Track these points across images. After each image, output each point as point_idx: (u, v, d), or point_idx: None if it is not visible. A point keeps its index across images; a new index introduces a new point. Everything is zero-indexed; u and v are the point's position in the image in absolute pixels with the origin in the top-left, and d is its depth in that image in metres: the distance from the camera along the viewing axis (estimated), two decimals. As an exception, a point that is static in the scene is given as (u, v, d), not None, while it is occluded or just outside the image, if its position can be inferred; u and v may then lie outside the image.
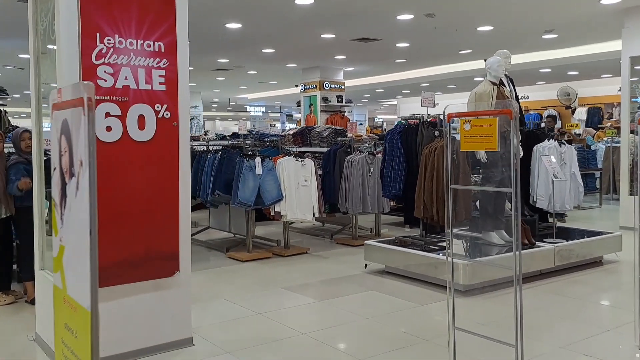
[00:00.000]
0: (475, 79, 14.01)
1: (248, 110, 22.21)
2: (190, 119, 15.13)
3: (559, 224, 6.35)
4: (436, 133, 5.19)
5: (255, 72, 13.52)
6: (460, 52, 10.73)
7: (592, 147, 10.76)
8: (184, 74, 3.59)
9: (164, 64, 3.41)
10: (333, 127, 7.29)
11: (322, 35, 8.88)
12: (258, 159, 5.76)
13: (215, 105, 24.90)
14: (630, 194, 7.71)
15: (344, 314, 4.17)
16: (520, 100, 18.76)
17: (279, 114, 22.31)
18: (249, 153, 5.93)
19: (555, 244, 5.23)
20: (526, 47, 10.35)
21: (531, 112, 16.36)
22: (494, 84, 5.35)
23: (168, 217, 3.33)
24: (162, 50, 3.41)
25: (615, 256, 5.84)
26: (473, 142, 2.59)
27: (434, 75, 13.54)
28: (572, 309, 4.33)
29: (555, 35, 9.25)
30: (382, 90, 17.00)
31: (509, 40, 9.50)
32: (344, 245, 6.66)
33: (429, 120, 5.58)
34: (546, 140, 6.11)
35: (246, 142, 6.51)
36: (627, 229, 7.57)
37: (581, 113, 14.94)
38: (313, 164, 6.06)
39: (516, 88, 5.93)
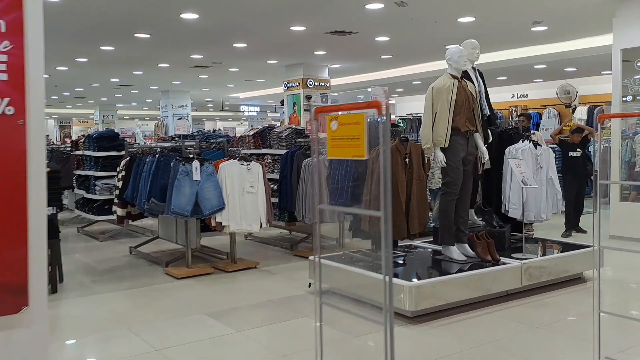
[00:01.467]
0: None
1: (242, 110, 21.74)
2: (178, 119, 14.58)
3: (536, 236, 5.71)
4: (387, 134, 4.58)
5: (237, 69, 12.97)
6: (446, 46, 10.04)
7: (590, 148, 10.06)
8: (36, 61, 2.93)
9: (4, 47, 2.77)
10: (294, 126, 6.69)
11: (291, 28, 8.29)
12: (195, 163, 5.19)
13: (211, 105, 24.43)
14: (623, 199, 7.04)
15: (256, 350, 3.56)
16: (518, 99, 17.89)
17: (278, 114, 21.75)
18: (190, 156, 5.37)
19: (523, 261, 4.59)
20: (516, 40, 9.68)
21: (530, 111, 15.63)
22: (454, 77, 4.72)
23: (11, 240, 2.71)
24: (2, 29, 2.77)
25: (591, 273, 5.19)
26: (340, 147, 1.98)
27: (425, 72, 12.85)
28: (531, 341, 3.69)
29: (545, 28, 8.57)
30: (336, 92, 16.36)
31: (494, 32, 8.85)
32: (302, 259, 6.06)
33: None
34: (520, 141, 5.47)
35: (188, 143, 5.94)
36: (618, 238, 6.91)
37: (582, 112, 14.14)
38: (260, 168, 5.47)
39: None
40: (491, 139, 5.51)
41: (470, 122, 4.71)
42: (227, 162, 5.41)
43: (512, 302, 4.45)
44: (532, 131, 7.50)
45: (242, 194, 5.37)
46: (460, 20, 7.99)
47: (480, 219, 5.30)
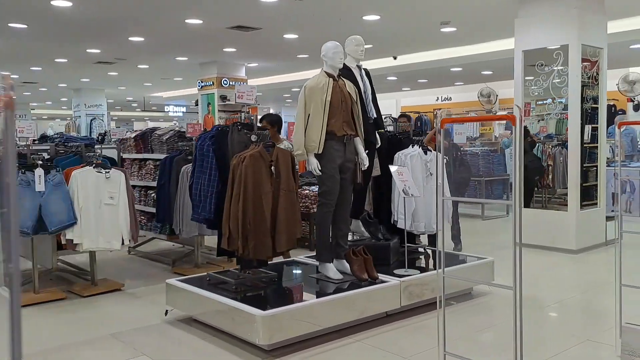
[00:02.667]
0: (388, 77, 13.11)
1: (166, 110, 20.71)
2: (92, 119, 13.42)
3: (430, 248, 5.35)
4: (253, 137, 4.03)
5: (147, 66, 12.13)
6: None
7: (507, 152, 10.00)
8: None
9: None
10: (177, 129, 6.06)
11: (187, 21, 7.63)
12: (38, 172, 4.45)
13: (135, 105, 23.19)
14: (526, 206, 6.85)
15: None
16: (442, 102, 18.01)
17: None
18: (36, 163, 4.62)
19: (403, 278, 4.18)
20: (428, 41, 9.44)
21: (454, 115, 15.65)
22: (330, 76, 4.26)
23: None
24: None
25: (487, 288, 4.88)
26: None
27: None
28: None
29: (454, 29, 8.35)
30: (298, 89, 15.85)
31: (403, 32, 8.55)
32: (180, 277, 5.41)
33: (244, 120, 4.42)
34: (410, 146, 5.09)
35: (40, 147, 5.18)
36: (528, 246, 6.71)
37: (502, 115, 14.30)
38: (123, 175, 4.80)
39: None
40: (379, 144, 5.12)
41: (349, 125, 4.26)
42: (81, 169, 4.70)
43: (390, 325, 4.02)
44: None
45: (100, 206, 4.68)
46: (365, 18, 7.61)
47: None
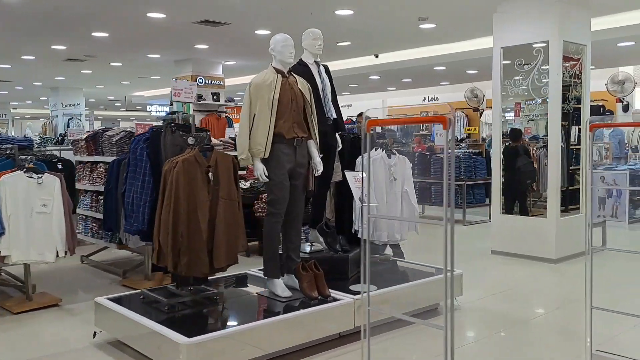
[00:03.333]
0: (371, 77, 12.72)
1: (149, 109, 20.23)
2: (69, 119, 12.92)
3: (394, 259, 4.96)
4: (190, 140, 3.62)
5: (120, 64, 11.68)
6: (339, 44, 9.33)
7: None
8: None
9: None
10: (129, 129, 5.64)
11: (148, 15, 7.21)
12: (-41, 177, 4.04)
13: (119, 104, 22.69)
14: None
15: None
16: (429, 102, 17.63)
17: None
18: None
19: (358, 295, 3.78)
20: (408, 39, 9.05)
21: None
22: (279, 72, 3.86)
23: None
24: None
25: (455, 302, 4.49)
26: None
27: (333, 72, 12.05)
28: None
29: (433, 25, 7.96)
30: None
31: (380, 28, 8.16)
32: (129, 289, 5.00)
33: (179, 121, 4.01)
34: (373, 149, 4.69)
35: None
36: (499, 253, 6.34)
37: (488, 116, 13.90)
38: (58, 181, 4.38)
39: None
40: (341, 146, 4.73)
41: (300, 127, 3.86)
42: (10, 174, 4.28)
43: (344, 348, 3.63)
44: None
45: (31, 214, 4.26)
46: (338, 12, 7.21)
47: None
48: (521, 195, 6.91)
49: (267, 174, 3.75)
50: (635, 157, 8.26)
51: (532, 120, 8.81)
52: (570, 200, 7.22)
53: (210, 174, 3.50)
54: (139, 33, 8.41)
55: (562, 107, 6.00)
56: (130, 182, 3.79)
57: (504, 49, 6.28)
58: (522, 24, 6.10)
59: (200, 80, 11.31)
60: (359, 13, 7.24)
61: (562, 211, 6.07)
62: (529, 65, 6.09)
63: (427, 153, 9.38)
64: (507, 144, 6.63)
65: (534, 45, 6.03)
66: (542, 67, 6.00)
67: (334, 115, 4.50)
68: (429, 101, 16.04)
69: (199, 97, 11.28)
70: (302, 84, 3.96)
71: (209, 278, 3.63)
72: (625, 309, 4.15)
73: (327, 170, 4.34)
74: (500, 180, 6.46)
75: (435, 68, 11.14)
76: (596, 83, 11.22)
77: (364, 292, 2.44)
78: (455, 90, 14.89)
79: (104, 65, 11.72)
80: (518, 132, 6.82)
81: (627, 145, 8.96)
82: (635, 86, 10.85)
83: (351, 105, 18.44)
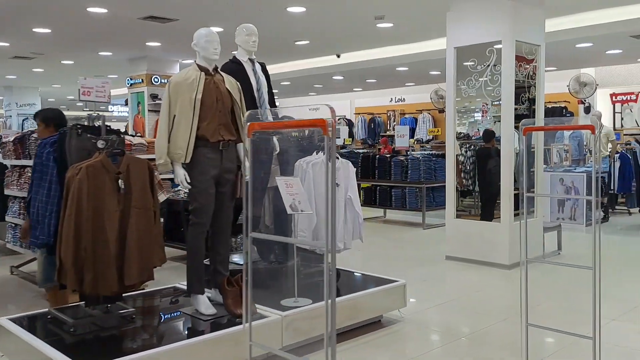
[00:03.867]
0: (334, 77, 12.49)
1: (111, 109, 19.60)
2: (24, 119, 12.33)
3: (340, 268, 4.70)
4: (99, 144, 3.29)
5: (71, 62, 11.21)
6: (297, 42, 9.06)
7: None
8: None
9: None
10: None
11: (89, 9, 6.82)
12: None
13: (80, 104, 21.95)
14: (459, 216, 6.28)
15: None
16: (396, 103, 17.47)
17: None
18: None
19: (287, 311, 3.50)
20: (368, 38, 8.84)
21: (407, 115, 15.16)
22: (203, 69, 3.56)
23: None
24: None
25: (398, 314, 4.26)
26: None
27: (284, 73, 11.81)
28: None
29: (390, 24, 7.76)
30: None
31: (335, 27, 7.91)
32: (56, 305, 4.62)
33: (88, 122, 3.68)
34: (315, 152, 4.43)
35: None
36: (454, 259, 6.15)
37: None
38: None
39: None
40: (278, 150, 4.46)
41: (227, 129, 3.57)
42: None
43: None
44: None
45: None
46: (289, 9, 6.94)
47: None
48: (490, 198, 6.70)
49: (189, 181, 3.46)
50: (595, 159, 8.22)
51: (500, 121, 8.68)
52: (531, 203, 7.12)
53: (120, 181, 3.18)
54: (82, 29, 8.00)
55: (517, 109, 5.85)
56: (35, 189, 3.44)
57: (457, 49, 6.10)
58: (475, 23, 5.92)
59: (156, 79, 10.93)
60: (312, 10, 6.99)
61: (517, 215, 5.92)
62: (483, 66, 5.92)
63: (388, 155, 9.17)
64: (480, 145, 6.46)
65: (487, 45, 5.85)
66: (495, 68, 5.83)
67: (271, 118, 4.23)
68: (395, 102, 15.90)
69: (154, 97, 10.90)
70: (230, 82, 3.67)
71: (145, 290, 3.30)
72: (575, 317, 4.01)
73: (264, 174, 4.08)
74: (454, 183, 6.28)
75: (397, 69, 10.97)
76: (559, 84, 11.23)
77: (246, 323, 2.16)
78: (421, 91, 14.76)
79: (54, 64, 11.22)
80: (491, 134, 6.63)
81: (585, 147, 8.93)
82: (596, 88, 10.87)
83: (318, 108, 18.22)
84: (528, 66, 5.97)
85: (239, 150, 3.69)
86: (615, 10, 7.04)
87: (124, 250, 3.18)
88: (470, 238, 5.99)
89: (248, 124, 2.03)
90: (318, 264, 4.66)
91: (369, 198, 9.24)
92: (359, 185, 9.41)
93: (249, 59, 4.19)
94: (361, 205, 9.73)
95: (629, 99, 10.56)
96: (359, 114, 16.40)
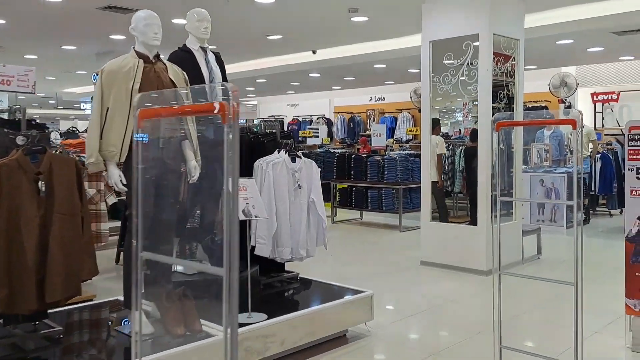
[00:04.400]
0: (310, 74, 12.12)
1: (83, 107, 19.01)
2: None
3: (307, 277, 4.34)
4: (19, 140, 2.88)
5: (35, 56, 10.67)
6: (269, 37, 8.67)
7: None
8: None
9: None
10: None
11: (41, -1, 6.37)
12: None
13: (53, 102, 21.27)
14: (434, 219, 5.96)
15: None
16: (375, 102, 17.07)
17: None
18: None
19: (240, 329, 3.13)
20: (343, 33, 8.48)
21: (387, 115, 14.85)
22: (142, 56, 3.17)
23: None
24: None
25: (365, 328, 3.91)
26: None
27: (268, 68, 11.42)
28: None
29: (365, 18, 7.42)
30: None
31: (308, 20, 7.55)
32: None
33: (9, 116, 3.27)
34: (276, 151, 4.06)
35: None
36: (429, 264, 5.83)
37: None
38: None
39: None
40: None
41: (170, 124, 3.19)
42: None
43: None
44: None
45: None
46: (258, 1, 6.55)
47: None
48: (474, 199, 6.43)
49: (125, 183, 3.07)
50: (576, 160, 7.99)
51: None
52: (510, 205, 6.87)
53: (40, 182, 2.77)
54: (39, 19, 7.51)
55: (495, 107, 5.54)
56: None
57: (432, 43, 5.78)
58: (452, 15, 5.61)
59: (124, 76, 10.42)
60: (282, 1, 6.61)
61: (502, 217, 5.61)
62: (459, 61, 5.60)
63: (364, 155, 8.84)
64: (466, 144, 6.22)
65: (463, 39, 5.54)
66: (471, 63, 5.52)
67: (225, 112, 3.85)
68: (375, 101, 15.58)
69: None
70: (174, 72, 3.28)
71: (79, 304, 2.89)
72: (555, 331, 3.70)
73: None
74: (429, 184, 5.96)
75: (375, 66, 10.63)
76: (539, 84, 11.02)
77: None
78: (401, 90, 14.44)
79: (17, 59, 10.66)
80: (435, 122, 6.42)
81: (566, 147, 8.70)
82: (577, 87, 10.67)
83: (297, 105, 17.84)
84: (507, 62, 5.68)
85: (184, 148, 3.31)
86: (597, 6, 6.80)
87: (45, 261, 2.78)
88: (446, 242, 5.68)
89: (138, 110, 1.65)
90: (279, 272, 4.30)
91: (345, 199, 8.90)
92: (335, 186, 9.11)
93: (201, 47, 3.81)
94: (337, 207, 9.50)
95: (610, 98, 10.37)
96: (338, 113, 16.05)
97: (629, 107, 10.35)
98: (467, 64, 5.54)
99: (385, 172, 8.26)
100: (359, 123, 15.36)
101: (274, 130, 4.46)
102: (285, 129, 17.54)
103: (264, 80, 13.00)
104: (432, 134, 6.36)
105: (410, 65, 10.22)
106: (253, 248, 3.92)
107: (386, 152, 9.60)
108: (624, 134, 3.74)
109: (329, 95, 16.68)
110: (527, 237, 5.94)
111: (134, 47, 3.22)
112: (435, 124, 6.46)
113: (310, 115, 16.34)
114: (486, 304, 4.72)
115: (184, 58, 3.70)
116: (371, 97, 15.68)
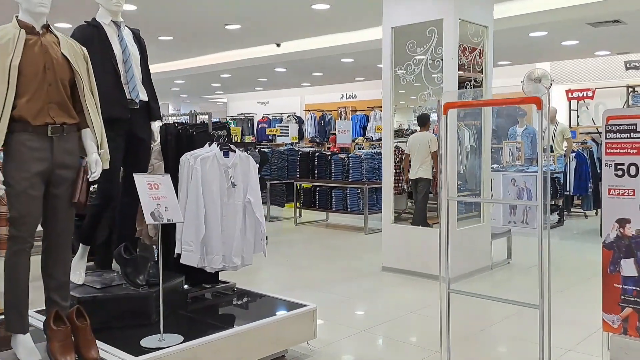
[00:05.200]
0: (276, 69, 11.60)
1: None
2: None
3: (241, 287, 3.81)
4: None
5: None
6: (227, 26, 8.11)
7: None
8: None
9: None
10: None
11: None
12: None
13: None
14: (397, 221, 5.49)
15: None
16: (347, 100, 16.50)
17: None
18: None
19: (143, 356, 2.59)
20: (305, 23, 7.98)
21: (358, 113, 14.39)
22: (25, 26, 2.61)
23: None
24: None
25: (307, 347, 3.40)
26: None
27: (232, 62, 10.85)
28: None
29: (326, 6, 6.92)
30: (182, 81, 14.04)
31: (264, 7, 7.02)
32: None
33: None
34: (207, 144, 3.52)
35: None
36: (390, 270, 5.36)
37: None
38: None
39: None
40: (158, 140, 3.55)
41: (63, 109, 2.64)
42: None
43: None
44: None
45: None
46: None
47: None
48: (424, 198, 6.05)
49: (2, 179, 2.51)
50: (549, 158, 7.62)
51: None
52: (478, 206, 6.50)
53: None
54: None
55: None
56: None
57: (394, 29, 5.31)
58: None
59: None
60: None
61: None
62: (422, 49, 5.14)
63: (328, 153, 8.34)
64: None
65: (427, 25, 5.08)
66: (436, 52, 5.06)
67: (142, 97, 3.30)
68: (347, 98, 15.13)
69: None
70: (70, 47, 2.72)
71: None
72: (523, 347, 3.23)
73: (138, 171, 3.16)
74: (392, 183, 5.49)
75: (342, 60, 10.15)
76: (513, 80, 10.66)
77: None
78: (373, 87, 14.00)
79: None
80: (426, 117, 6.05)
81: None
82: (552, 84, 10.33)
83: (268, 102, 17.29)
84: (473, 51, 5.23)
85: (84, 139, 2.76)
86: (572, -6, 6.43)
87: None
88: (408, 246, 5.21)
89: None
90: (213, 283, 3.77)
91: (309, 200, 8.39)
92: (299, 186, 8.60)
93: (113, 21, 3.25)
94: (300, 207, 8.95)
95: (585, 95, 10.06)
96: (309, 110, 15.56)
97: (604, 104, 10.06)
98: (432, 51, 5.08)
99: (350, 171, 7.78)
100: (330, 121, 14.87)
101: (205, 121, 3.90)
102: (255, 127, 17.01)
103: (229, 76, 12.42)
104: (422, 130, 5.98)
105: (379, 59, 9.73)
106: (179, 256, 3.39)
107: (354, 150, 9.14)
108: (599, 132, 3.31)
109: (299, 93, 16.18)
110: (496, 241, 5.51)
111: (16, 16, 2.65)
112: (426, 120, 6.04)
113: (281, 114, 15.82)
114: (450, 314, 4.27)
115: (91, 34, 3.14)
116: (342, 95, 15.23)
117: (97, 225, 3.40)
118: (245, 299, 3.66)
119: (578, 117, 10.50)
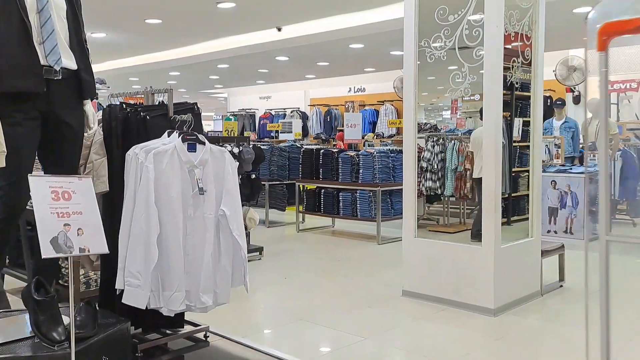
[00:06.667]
0: (277, 58, 10.54)
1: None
2: None
3: (216, 332, 2.76)
4: None
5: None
6: (219, 4, 7.07)
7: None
8: None
9: None
10: None
11: None
12: None
13: None
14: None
15: None
16: (355, 93, 15.40)
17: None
18: None
19: None
20: (309, 3, 6.93)
21: (367, 107, 13.31)
22: None
23: None
24: None
25: None
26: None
27: (228, 50, 9.85)
28: None
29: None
30: (178, 73, 13.01)
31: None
32: None
33: None
34: (165, 134, 2.47)
35: None
36: (413, 295, 4.25)
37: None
38: None
39: None
40: (95, 126, 2.52)
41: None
42: None
43: None
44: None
45: None
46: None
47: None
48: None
49: None
50: (594, 156, 6.57)
51: (471, 117, 6.92)
52: (513, 211, 5.48)
53: None
54: None
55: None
56: None
57: (419, -4, 4.23)
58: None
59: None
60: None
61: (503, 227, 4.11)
62: (455, 16, 4.06)
63: (335, 150, 7.28)
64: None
65: (463, -14, 4.01)
66: (473, 18, 3.98)
67: (67, 64, 2.27)
68: (355, 92, 14.04)
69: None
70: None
71: None
72: None
73: (63, 170, 2.14)
74: (415, 186, 4.43)
75: (351, 46, 9.06)
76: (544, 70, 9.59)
77: None
78: (384, 79, 12.90)
79: None
80: None
81: (580, 141, 7.25)
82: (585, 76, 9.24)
83: (270, 97, 16.24)
84: (522, 19, 4.16)
85: None
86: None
87: None
88: (438, 266, 4.12)
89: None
90: (163, 330, 2.72)
91: (313, 203, 7.33)
92: (303, 187, 7.55)
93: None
94: (303, 212, 7.89)
95: (628, 87, 8.93)
96: (314, 105, 14.50)
97: (650, 98, 8.95)
98: (467, 20, 4.00)
99: (361, 171, 6.72)
100: (336, 117, 13.81)
101: (164, 102, 2.80)
102: (257, 123, 15.97)
103: (227, 66, 11.37)
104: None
105: (393, 44, 8.65)
106: (121, 293, 2.35)
107: (365, 146, 8.09)
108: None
109: (304, 87, 15.13)
110: (547, 259, 4.42)
111: None
112: None
113: (284, 109, 14.79)
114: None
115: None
116: (350, 88, 14.15)
117: (3, 247, 2.37)
118: (215, 355, 2.61)
119: (619, 111, 9.37)
